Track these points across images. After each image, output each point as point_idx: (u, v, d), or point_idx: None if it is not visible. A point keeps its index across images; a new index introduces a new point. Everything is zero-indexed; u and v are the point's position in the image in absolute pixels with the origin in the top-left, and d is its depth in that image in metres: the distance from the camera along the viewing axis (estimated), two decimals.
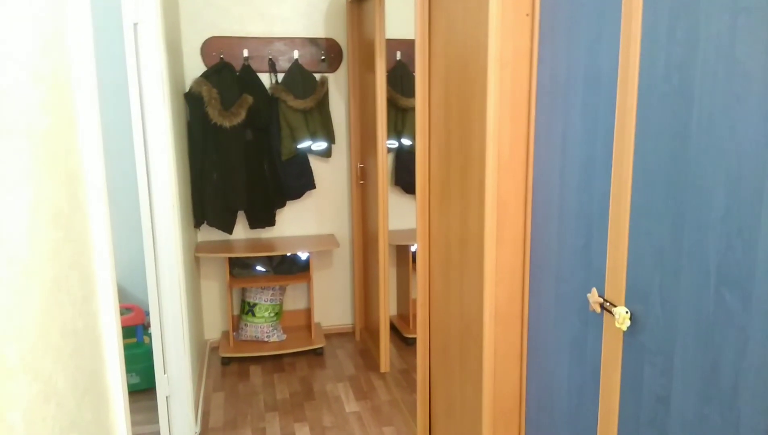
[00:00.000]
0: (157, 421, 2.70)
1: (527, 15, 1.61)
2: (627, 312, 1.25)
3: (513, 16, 1.60)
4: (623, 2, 1.23)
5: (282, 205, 3.64)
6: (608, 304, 1.31)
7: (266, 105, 3.44)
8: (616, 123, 1.27)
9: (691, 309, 1.08)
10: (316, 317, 3.92)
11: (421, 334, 2.43)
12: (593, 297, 1.36)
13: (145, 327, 3.18)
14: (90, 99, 1.32)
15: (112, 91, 3.22)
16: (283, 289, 3.67)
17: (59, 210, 1.13)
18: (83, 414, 1.18)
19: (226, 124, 3.30)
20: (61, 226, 1.13)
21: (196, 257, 3.47)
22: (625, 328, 1.26)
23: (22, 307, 0.93)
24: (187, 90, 3.37)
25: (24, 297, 0.94)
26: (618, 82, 1.25)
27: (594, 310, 1.37)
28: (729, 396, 1.01)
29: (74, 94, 1.26)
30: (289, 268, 3.62)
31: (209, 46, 3.47)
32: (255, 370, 3.43)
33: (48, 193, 1.07)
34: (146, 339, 3.11)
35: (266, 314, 3.57)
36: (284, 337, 3.65)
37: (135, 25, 2.26)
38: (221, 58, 3.45)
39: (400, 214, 3.87)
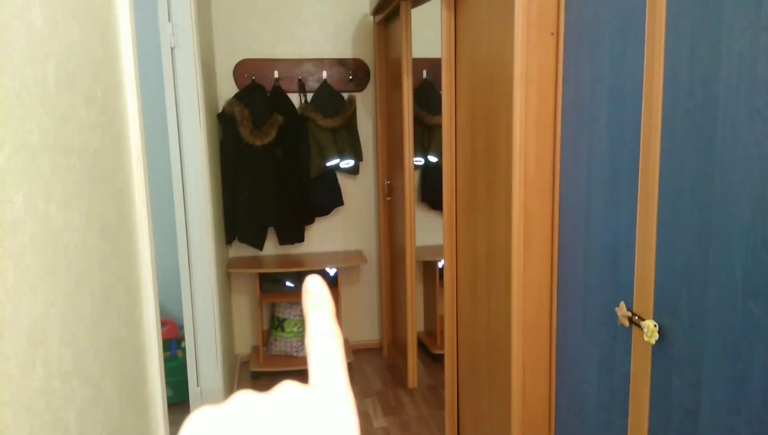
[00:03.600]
0: None
1: (552, 34, 1.65)
2: (655, 325, 1.26)
3: (538, 35, 1.64)
4: (647, 20, 1.26)
5: (311, 221, 3.71)
6: (637, 317, 1.33)
7: (296, 124, 3.52)
8: (641, 138, 1.29)
9: (718, 321, 1.10)
10: (344, 333, 3.95)
11: (448, 349, 2.45)
12: (621, 311, 1.37)
13: (179, 341, 3.26)
14: (135, 120, 1.39)
15: (150, 112, 3.34)
16: None
17: (107, 224, 1.20)
18: (127, 420, 1.24)
19: (257, 143, 3.39)
20: (110, 240, 1.20)
21: (227, 273, 3.55)
22: (653, 342, 1.27)
23: (75, 314, 0.99)
24: (220, 110, 3.48)
25: (77, 304, 1.00)
26: (643, 99, 1.28)
27: (622, 324, 1.38)
28: (758, 408, 1.01)
29: (121, 115, 1.34)
30: None
31: (241, 68, 3.58)
32: None
33: (98, 208, 1.14)
34: (179, 353, 3.18)
35: (295, 329, 3.62)
36: None
37: (172, 49, 2.36)
38: (253, 80, 3.56)
39: (426, 230, 3.90)
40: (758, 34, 0.98)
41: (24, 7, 0.86)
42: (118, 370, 1.21)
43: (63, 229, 0.97)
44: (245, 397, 0.28)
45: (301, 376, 3.57)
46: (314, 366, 0.31)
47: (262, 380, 3.54)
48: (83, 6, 1.13)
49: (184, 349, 3.10)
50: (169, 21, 2.32)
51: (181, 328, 3.26)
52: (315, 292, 0.34)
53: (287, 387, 0.29)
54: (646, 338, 1.27)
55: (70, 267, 0.98)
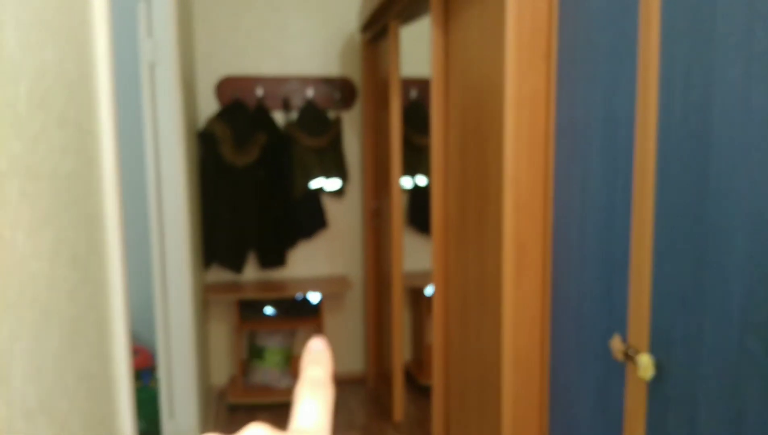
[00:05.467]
0: None
1: (544, 56, 1.63)
2: (651, 359, 1.22)
3: (530, 57, 1.62)
4: (640, 45, 1.23)
5: (293, 244, 3.63)
6: (632, 350, 1.28)
7: (279, 143, 3.47)
8: (635, 165, 1.26)
9: (715, 356, 1.05)
10: None
11: (437, 381, 2.38)
12: (616, 344, 1.33)
13: (152, 370, 3.14)
14: (109, 142, 1.33)
15: (126, 131, 3.26)
16: (293, 332, 3.62)
17: (77, 252, 1.12)
18: None
19: (239, 162, 3.33)
20: (79, 268, 1.13)
21: (205, 299, 3.45)
22: (648, 378, 1.22)
23: (41, 347, 0.92)
24: (201, 129, 3.41)
25: (43, 338, 0.93)
26: (636, 125, 1.25)
27: (617, 358, 1.33)
28: None
29: (95, 137, 1.28)
30: (299, 310, 3.58)
31: (224, 86, 3.53)
32: (264, 418, 3.36)
33: (68, 235, 1.07)
34: (152, 383, 3.06)
35: (276, 359, 3.51)
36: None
37: (152, 66, 2.30)
38: (235, 98, 3.50)
39: (414, 254, 3.84)
40: (750, 62, 0.96)
41: None
42: (86, 405, 1.13)
43: (30, 257, 0.90)
44: None
45: (282, 409, 3.46)
46: (298, 410, 0.30)
47: (240, 414, 3.41)
48: (59, 25, 1.07)
49: (158, 379, 2.98)
50: (149, 36, 2.26)
51: (155, 355, 3.14)
52: (317, 351, 0.34)
53: (255, 431, 0.28)
54: (640, 374, 1.22)
55: (37, 298, 0.91)
